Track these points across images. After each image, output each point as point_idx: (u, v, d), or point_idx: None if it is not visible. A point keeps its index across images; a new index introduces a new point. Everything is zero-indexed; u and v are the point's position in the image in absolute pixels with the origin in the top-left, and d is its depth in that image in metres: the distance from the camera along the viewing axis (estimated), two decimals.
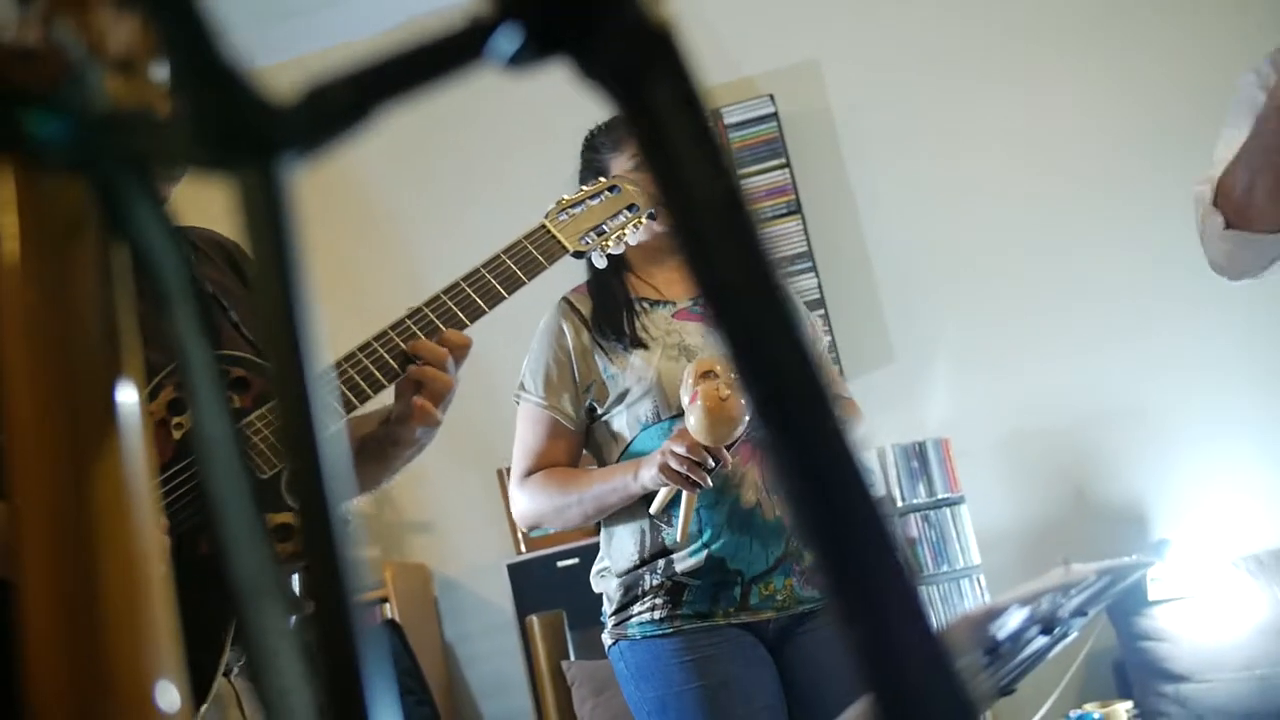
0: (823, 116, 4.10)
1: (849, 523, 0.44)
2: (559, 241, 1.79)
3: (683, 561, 2.14)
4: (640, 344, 2.19)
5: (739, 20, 4.12)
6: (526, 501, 2.23)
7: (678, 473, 2.03)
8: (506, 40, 0.53)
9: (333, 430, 0.50)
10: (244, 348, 1.58)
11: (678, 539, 2.11)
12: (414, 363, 1.58)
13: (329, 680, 0.47)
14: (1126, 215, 3.91)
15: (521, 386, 2.26)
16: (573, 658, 3.22)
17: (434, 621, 4.05)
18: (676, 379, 2.14)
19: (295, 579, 1.45)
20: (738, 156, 4.04)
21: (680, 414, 2.12)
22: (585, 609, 3.34)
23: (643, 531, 2.17)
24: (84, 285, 0.60)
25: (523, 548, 3.76)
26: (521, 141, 4.02)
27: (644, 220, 1.97)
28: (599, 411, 2.22)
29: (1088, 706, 3.42)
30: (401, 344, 1.58)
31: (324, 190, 4.25)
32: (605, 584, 2.24)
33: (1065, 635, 1.44)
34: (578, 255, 1.83)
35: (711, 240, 0.51)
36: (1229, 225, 1.93)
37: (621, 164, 2.23)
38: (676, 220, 0.51)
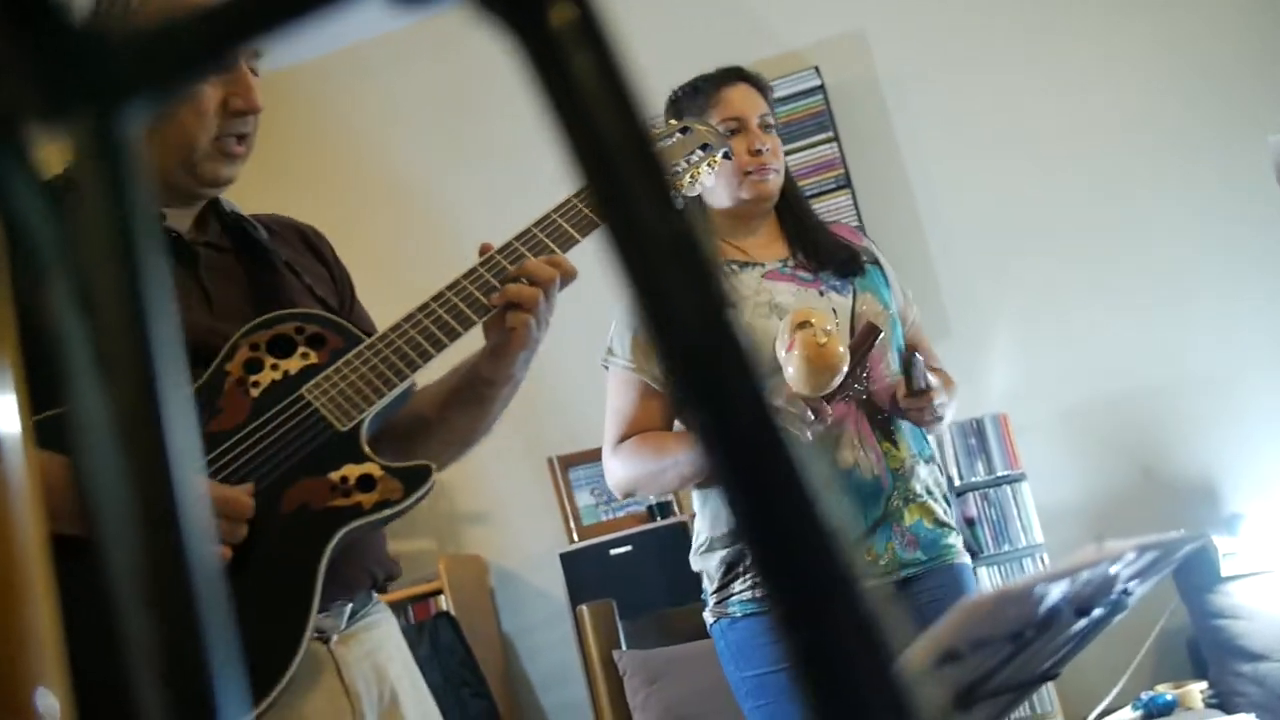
0: (870, 87, 4.00)
1: (799, 551, 0.40)
2: None
3: None
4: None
5: None
6: (620, 468, 2.20)
7: None
8: None
9: (182, 407, 0.45)
10: (318, 309, 1.60)
11: None
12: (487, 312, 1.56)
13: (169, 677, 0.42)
14: (1191, 180, 3.78)
15: (610, 351, 2.24)
16: (624, 647, 3.17)
17: (491, 613, 4.02)
18: (768, 336, 2.11)
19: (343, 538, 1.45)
20: (784, 131, 3.95)
21: (771, 374, 2.08)
22: (637, 598, 3.30)
23: None
24: None
25: (575, 537, 3.72)
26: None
27: (719, 160, 1.93)
28: None
29: (1160, 688, 3.31)
30: (476, 292, 1.56)
31: (359, 173, 4.24)
32: (705, 562, 2.20)
33: (1110, 616, 1.37)
34: None
35: (616, 180, 0.46)
36: None
37: (713, 117, 2.21)
38: (577, 161, 0.46)
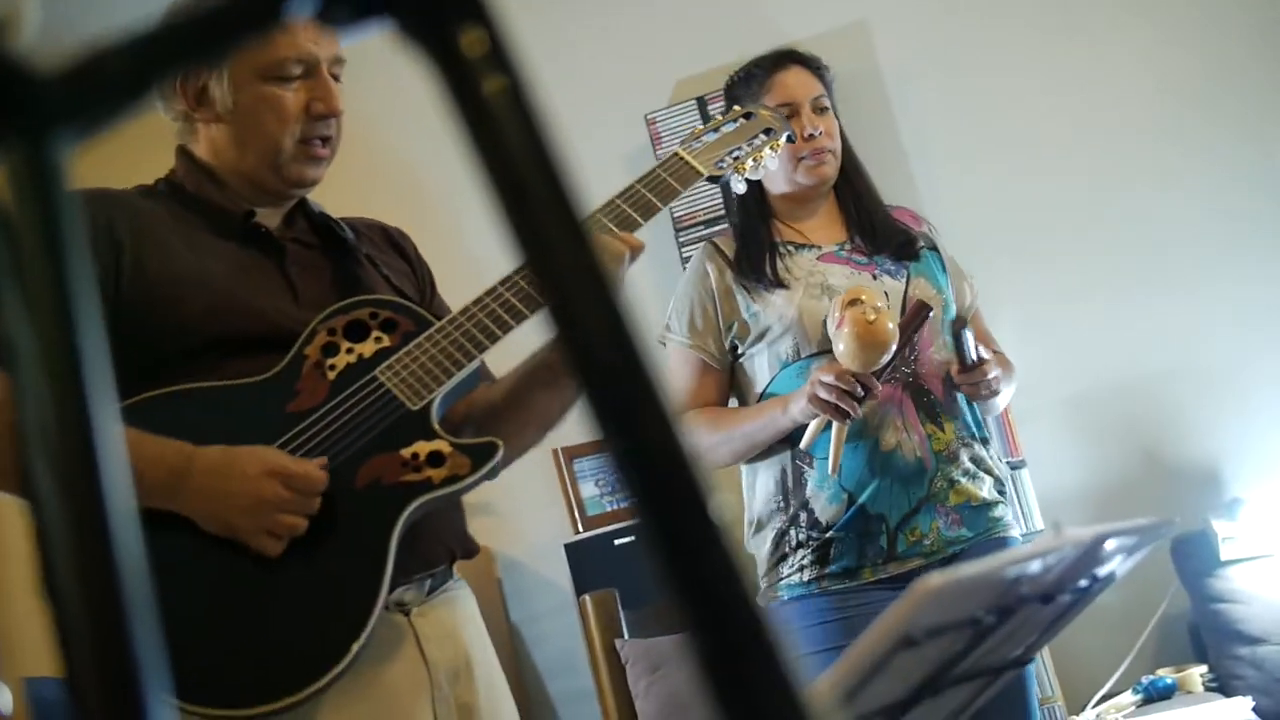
0: (873, 78, 4.02)
1: (698, 567, 0.43)
2: (693, 167, 1.83)
3: (824, 510, 2.13)
4: (781, 284, 2.21)
5: None
6: None
7: (827, 402, 2.02)
8: (302, 4, 0.50)
9: (109, 420, 0.48)
10: (392, 295, 1.71)
11: (830, 471, 2.10)
12: None
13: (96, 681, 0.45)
14: (1190, 167, 3.78)
15: (667, 328, 2.30)
16: (627, 636, 3.21)
17: (499, 603, 4.06)
18: (818, 316, 2.16)
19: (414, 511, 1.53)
20: None
21: (820, 352, 2.13)
22: (641, 587, 3.33)
23: (784, 472, 2.18)
24: None
25: (580, 527, 3.75)
26: (577, 122, 3.99)
27: (781, 143, 2.00)
28: (740, 350, 2.23)
29: (1161, 671, 3.33)
30: None
31: (373, 176, 4.27)
32: (755, 546, 2.26)
33: (1080, 602, 1.39)
34: (713, 180, 1.88)
35: (525, 189, 0.49)
36: None
37: (766, 102, 2.27)
38: (488, 171, 0.49)
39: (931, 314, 2.16)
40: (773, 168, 2.01)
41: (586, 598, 3.22)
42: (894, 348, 2.05)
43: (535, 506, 3.98)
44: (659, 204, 1.75)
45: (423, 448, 1.55)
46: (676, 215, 3.99)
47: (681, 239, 3.94)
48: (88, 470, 0.47)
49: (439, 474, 1.54)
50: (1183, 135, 3.80)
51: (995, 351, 2.36)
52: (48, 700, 2.90)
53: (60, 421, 0.47)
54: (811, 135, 2.27)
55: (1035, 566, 1.09)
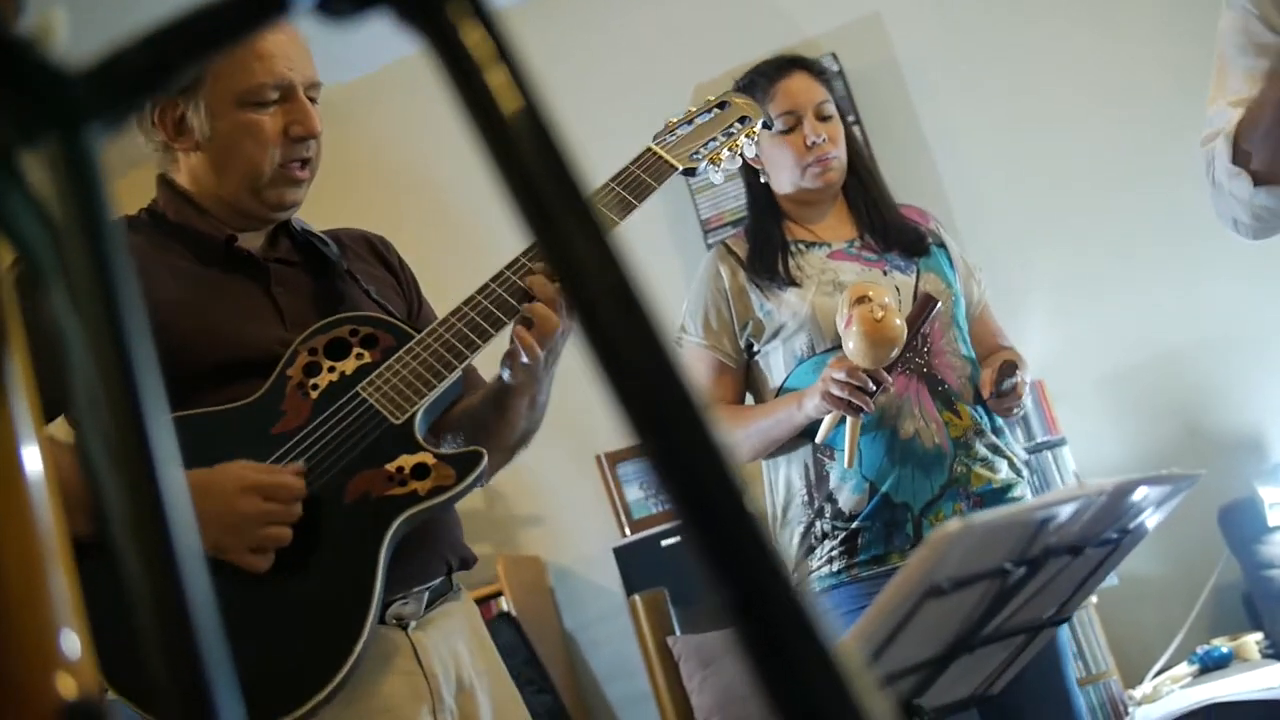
0: (890, 70, 4.04)
1: (739, 561, 0.44)
2: (667, 162, 1.82)
3: (847, 500, 2.16)
4: (794, 283, 2.25)
5: None
6: None
7: (839, 398, 2.05)
8: None
9: (160, 404, 0.52)
10: (375, 311, 1.70)
11: (845, 465, 2.14)
12: (531, 300, 1.62)
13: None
14: None
15: (682, 329, 2.34)
16: (678, 633, 3.24)
17: (552, 611, 4.10)
18: (831, 312, 2.19)
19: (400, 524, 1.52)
20: None
21: (834, 347, 2.16)
22: (691, 585, 3.35)
23: (806, 466, 2.21)
24: None
25: (627, 530, 3.79)
26: (597, 123, 4.03)
27: (757, 130, 1.98)
28: (756, 348, 2.28)
29: (1216, 640, 3.32)
30: (519, 281, 1.63)
31: (391, 181, 4.33)
32: (782, 540, 2.28)
33: (1111, 556, 1.41)
34: (688, 173, 1.86)
35: (517, 145, 0.52)
36: (1259, 182, 1.88)
37: (771, 110, 2.29)
38: (483, 136, 0.52)
39: (939, 307, 2.18)
40: (750, 154, 2.02)
41: (636, 598, 3.25)
42: (903, 343, 2.07)
43: (582, 513, 4.02)
44: (635, 201, 1.74)
45: (407, 461, 1.56)
46: (704, 217, 4.03)
47: (710, 240, 3.98)
48: (134, 424, 0.50)
49: (424, 486, 1.55)
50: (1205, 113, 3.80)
51: (1005, 346, 2.39)
52: None
53: (109, 392, 0.50)
54: (815, 143, 2.29)
55: (1058, 514, 1.11)
